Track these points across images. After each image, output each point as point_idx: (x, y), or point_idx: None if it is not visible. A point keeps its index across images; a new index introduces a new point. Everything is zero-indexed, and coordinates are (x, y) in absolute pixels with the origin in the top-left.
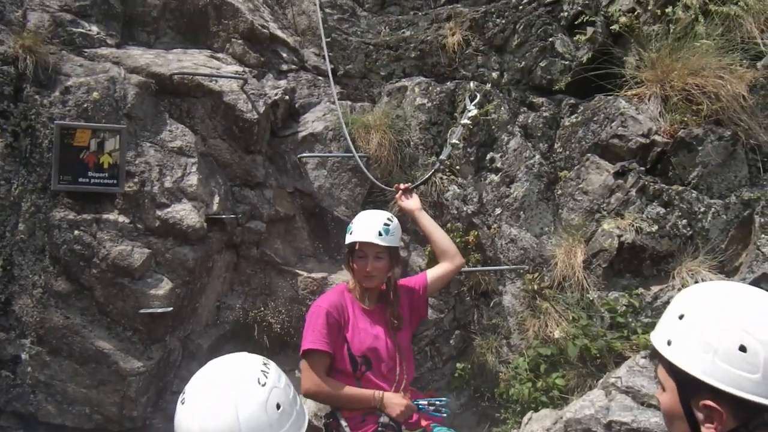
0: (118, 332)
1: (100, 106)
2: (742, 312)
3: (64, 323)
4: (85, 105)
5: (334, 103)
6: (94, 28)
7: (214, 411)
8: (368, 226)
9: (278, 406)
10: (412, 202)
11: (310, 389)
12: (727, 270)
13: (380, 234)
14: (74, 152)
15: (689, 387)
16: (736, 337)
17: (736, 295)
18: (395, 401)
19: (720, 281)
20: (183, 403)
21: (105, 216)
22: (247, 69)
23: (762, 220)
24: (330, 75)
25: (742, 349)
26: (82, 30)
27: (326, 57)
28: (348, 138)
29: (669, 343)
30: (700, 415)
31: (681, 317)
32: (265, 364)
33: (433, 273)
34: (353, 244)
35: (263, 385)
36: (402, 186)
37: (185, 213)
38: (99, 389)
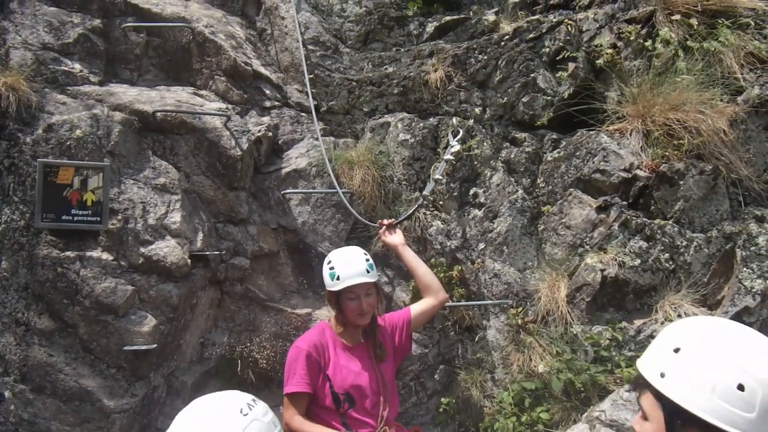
0: (101, 369)
1: (83, 143)
2: (740, 351)
3: (47, 361)
4: (68, 143)
5: (317, 139)
6: (77, 66)
7: None
8: (354, 267)
9: None
10: (396, 238)
11: (287, 427)
12: (709, 303)
13: (368, 271)
14: (57, 190)
15: (678, 419)
16: (734, 376)
17: (733, 333)
18: None
19: (711, 317)
20: None
21: (88, 253)
22: (230, 106)
23: (743, 253)
24: (313, 111)
25: (740, 388)
26: (65, 68)
27: (309, 93)
28: (331, 174)
29: (662, 375)
30: None
31: (677, 351)
32: (253, 400)
33: (416, 308)
34: (341, 289)
35: (245, 415)
36: (386, 222)
37: (169, 250)
38: (83, 427)
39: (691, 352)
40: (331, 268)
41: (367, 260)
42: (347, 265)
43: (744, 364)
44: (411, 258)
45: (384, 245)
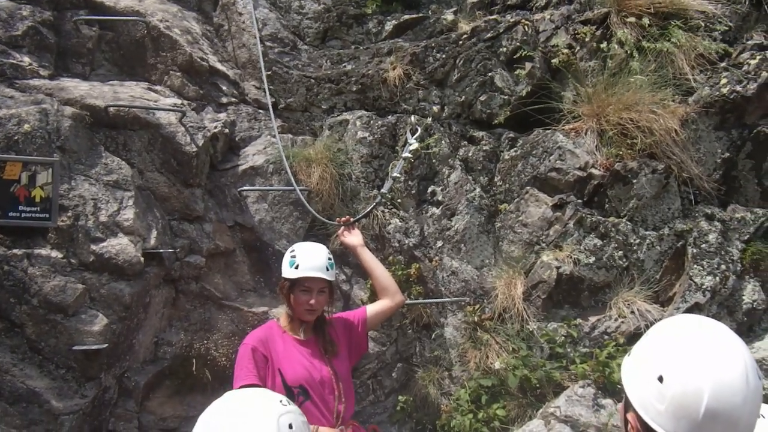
0: (50, 370)
1: (31, 138)
2: (675, 348)
3: None
4: (16, 137)
5: (274, 136)
6: (26, 59)
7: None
8: (315, 261)
9: (290, 426)
10: (355, 239)
11: None
12: (661, 300)
13: (327, 269)
14: (4, 186)
15: (626, 397)
16: (658, 368)
17: (680, 331)
18: None
19: (698, 317)
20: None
21: (37, 251)
22: (185, 102)
23: (694, 251)
24: (271, 108)
25: (660, 379)
26: (13, 61)
27: (267, 90)
28: (289, 171)
29: (629, 354)
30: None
31: (645, 336)
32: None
33: (372, 308)
34: (297, 278)
35: (285, 405)
36: (343, 219)
37: (121, 247)
38: (30, 429)
39: (648, 337)
40: (293, 257)
41: (329, 259)
42: (309, 257)
43: (670, 359)
44: (369, 259)
45: (342, 245)
